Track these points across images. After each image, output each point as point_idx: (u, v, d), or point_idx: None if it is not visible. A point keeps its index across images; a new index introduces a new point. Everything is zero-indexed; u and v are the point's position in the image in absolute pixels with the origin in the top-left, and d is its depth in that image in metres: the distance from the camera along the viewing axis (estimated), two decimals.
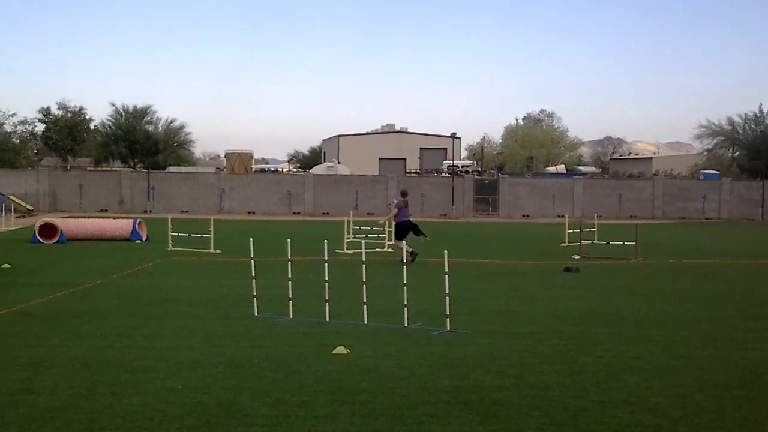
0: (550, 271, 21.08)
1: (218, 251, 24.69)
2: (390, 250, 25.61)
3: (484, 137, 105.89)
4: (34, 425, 7.16)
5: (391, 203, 23.27)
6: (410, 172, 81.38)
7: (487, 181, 63.67)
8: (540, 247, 29.76)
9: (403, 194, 24.02)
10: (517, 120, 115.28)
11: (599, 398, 8.37)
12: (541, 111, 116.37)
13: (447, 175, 67.24)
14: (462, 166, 75.69)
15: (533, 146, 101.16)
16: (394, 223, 23.41)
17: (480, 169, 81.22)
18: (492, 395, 8.42)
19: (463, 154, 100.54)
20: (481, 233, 39.38)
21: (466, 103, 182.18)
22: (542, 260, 24.11)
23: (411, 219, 23.50)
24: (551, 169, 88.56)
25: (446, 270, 12.09)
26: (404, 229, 22.86)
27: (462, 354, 10.37)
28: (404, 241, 22.26)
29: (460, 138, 75.57)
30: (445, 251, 12.49)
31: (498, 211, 59.49)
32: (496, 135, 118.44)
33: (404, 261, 13.30)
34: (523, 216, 58.82)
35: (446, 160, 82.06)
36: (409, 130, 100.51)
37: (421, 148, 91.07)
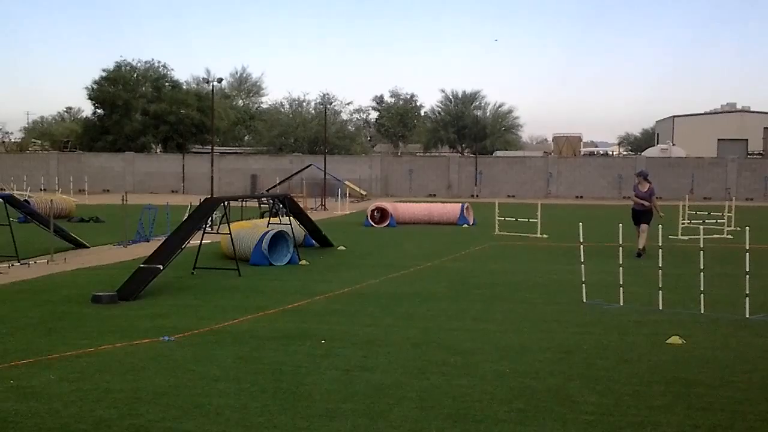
0: None
1: (545, 236, 24.55)
2: (730, 236, 24.22)
3: None
4: (368, 401, 7.44)
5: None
6: (752, 154, 76.15)
7: None
8: None
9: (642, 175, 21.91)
10: None
11: None
12: None
13: None
14: None
15: None
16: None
17: None
18: None
19: None
20: None
21: None
22: None
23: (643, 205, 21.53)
24: None
25: None
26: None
27: None
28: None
29: None
30: None
31: None
32: None
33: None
34: None
35: None
36: (752, 109, 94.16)
37: (765, 128, 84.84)
